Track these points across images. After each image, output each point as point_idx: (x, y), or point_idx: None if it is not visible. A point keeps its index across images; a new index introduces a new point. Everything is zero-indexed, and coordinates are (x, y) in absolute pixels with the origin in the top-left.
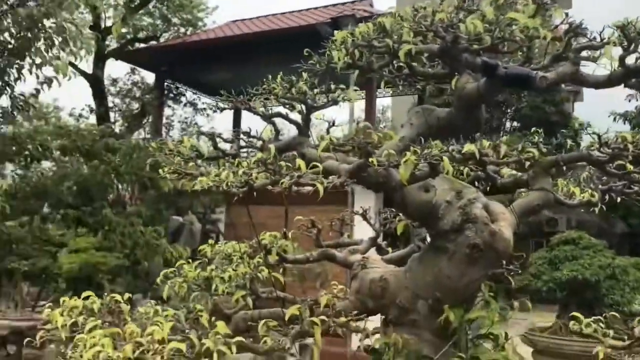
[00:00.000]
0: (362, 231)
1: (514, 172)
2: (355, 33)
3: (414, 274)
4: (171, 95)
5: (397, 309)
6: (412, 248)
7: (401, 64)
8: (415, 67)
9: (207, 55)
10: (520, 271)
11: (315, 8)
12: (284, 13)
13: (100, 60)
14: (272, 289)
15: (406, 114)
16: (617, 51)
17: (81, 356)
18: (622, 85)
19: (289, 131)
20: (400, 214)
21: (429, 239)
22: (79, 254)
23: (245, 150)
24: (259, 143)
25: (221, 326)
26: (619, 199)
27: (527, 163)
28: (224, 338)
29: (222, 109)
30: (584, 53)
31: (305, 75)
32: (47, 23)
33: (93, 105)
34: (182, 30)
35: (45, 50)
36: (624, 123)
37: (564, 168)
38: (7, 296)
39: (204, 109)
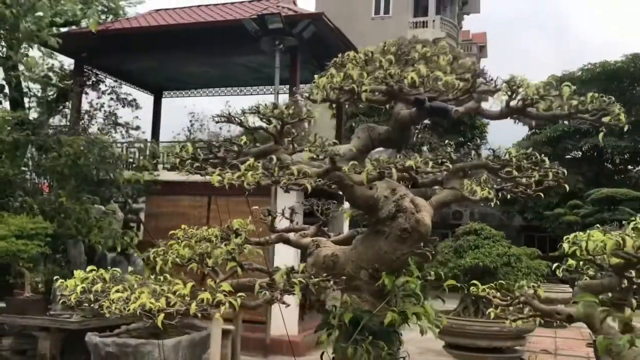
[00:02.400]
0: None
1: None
2: (331, 81)
3: (358, 251)
4: (90, 82)
5: (344, 277)
6: (352, 232)
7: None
8: (369, 99)
9: (129, 43)
10: (435, 252)
11: (241, 2)
12: (208, 5)
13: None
14: (251, 262)
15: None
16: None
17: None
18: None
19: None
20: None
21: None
22: None
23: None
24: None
25: (225, 285)
26: (509, 196)
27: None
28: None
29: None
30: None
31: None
32: None
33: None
34: (104, 17)
35: None
36: (523, 125)
37: (469, 172)
38: None
39: (126, 98)
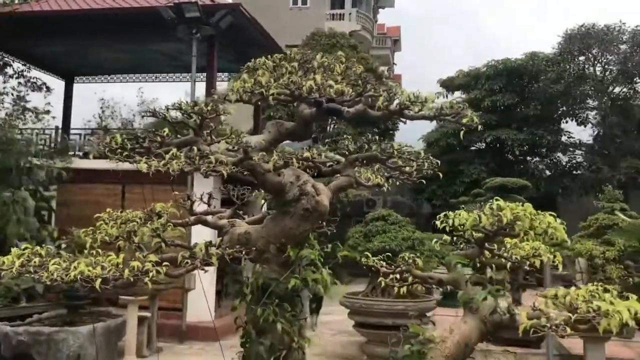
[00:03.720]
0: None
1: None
2: (244, 85)
3: (268, 228)
4: None
5: (256, 251)
6: (264, 214)
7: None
8: (277, 99)
9: (39, 26)
10: (334, 229)
11: None
12: None
13: None
14: (173, 240)
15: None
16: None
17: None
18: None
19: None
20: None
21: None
22: None
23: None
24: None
25: (152, 257)
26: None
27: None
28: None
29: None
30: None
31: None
32: None
33: None
34: None
35: None
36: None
37: (364, 162)
38: None
39: (35, 82)
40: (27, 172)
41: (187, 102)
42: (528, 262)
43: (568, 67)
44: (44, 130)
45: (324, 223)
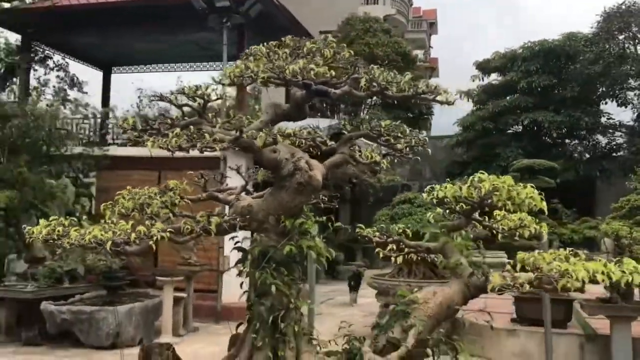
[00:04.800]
0: (235, 184)
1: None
2: (234, 70)
3: (267, 201)
4: (38, 58)
5: (257, 222)
6: (267, 190)
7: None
8: (269, 82)
9: (77, 19)
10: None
11: None
12: None
13: None
14: (182, 211)
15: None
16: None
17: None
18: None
19: None
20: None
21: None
22: None
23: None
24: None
25: (159, 225)
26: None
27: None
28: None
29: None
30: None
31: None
32: None
33: None
34: None
35: None
36: (468, 100)
37: (357, 140)
38: None
39: (73, 79)
40: (68, 159)
41: (189, 86)
42: (517, 233)
43: (607, 46)
44: (84, 120)
45: (328, 199)
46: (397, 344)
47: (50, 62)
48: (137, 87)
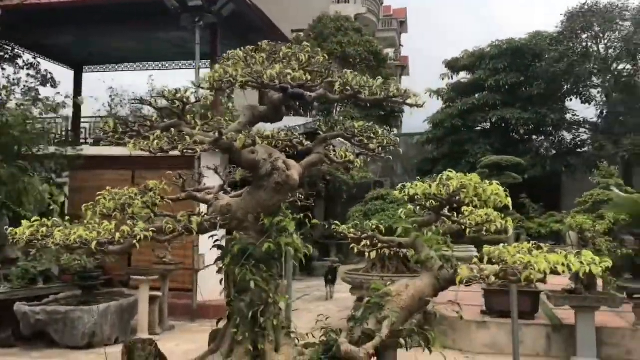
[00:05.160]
0: (212, 183)
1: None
2: (214, 75)
3: (246, 200)
4: (6, 57)
5: (236, 221)
6: (246, 189)
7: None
8: (246, 86)
9: (48, 18)
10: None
11: None
12: None
13: None
14: (162, 212)
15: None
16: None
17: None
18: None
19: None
20: (238, 168)
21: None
22: None
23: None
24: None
25: (141, 224)
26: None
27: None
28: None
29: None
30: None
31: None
32: None
33: None
34: None
35: None
36: (437, 98)
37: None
38: None
39: (45, 75)
40: (39, 159)
41: (169, 90)
42: (485, 228)
43: (571, 45)
44: (55, 120)
45: (305, 197)
46: (372, 335)
47: (19, 61)
48: (108, 87)
